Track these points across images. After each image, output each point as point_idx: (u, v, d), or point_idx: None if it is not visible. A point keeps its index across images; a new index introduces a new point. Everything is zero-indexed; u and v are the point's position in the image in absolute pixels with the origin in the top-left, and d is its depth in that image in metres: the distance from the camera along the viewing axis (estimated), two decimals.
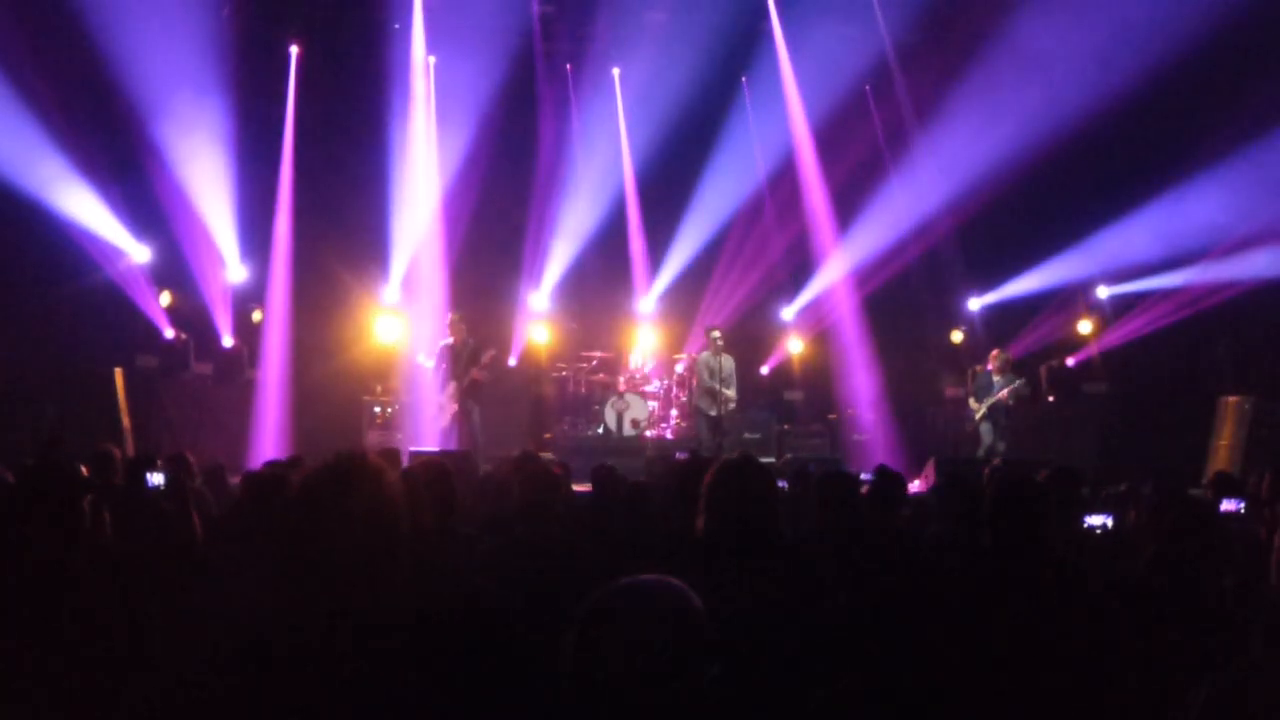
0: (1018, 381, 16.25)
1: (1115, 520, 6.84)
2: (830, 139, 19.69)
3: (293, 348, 17.67)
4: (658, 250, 20.50)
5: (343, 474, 2.79)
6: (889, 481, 6.73)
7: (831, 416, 19.38)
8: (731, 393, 16.13)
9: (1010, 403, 16.28)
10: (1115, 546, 6.36)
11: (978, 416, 16.31)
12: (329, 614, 2.64)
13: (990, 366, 16.47)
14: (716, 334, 16.21)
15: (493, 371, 15.78)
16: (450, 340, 15.45)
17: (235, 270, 17.84)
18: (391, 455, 9.51)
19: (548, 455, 13.58)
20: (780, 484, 8.55)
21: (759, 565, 4.03)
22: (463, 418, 15.13)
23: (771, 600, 3.91)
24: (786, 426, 18.98)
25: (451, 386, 15.08)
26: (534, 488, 5.39)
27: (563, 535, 5.37)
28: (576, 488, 10.10)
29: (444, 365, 15.35)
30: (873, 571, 4.98)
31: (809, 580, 4.22)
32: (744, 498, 4.23)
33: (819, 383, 20.06)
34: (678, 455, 13.83)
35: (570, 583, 3.83)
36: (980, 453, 15.95)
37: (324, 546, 2.70)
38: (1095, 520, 6.77)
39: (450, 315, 15.68)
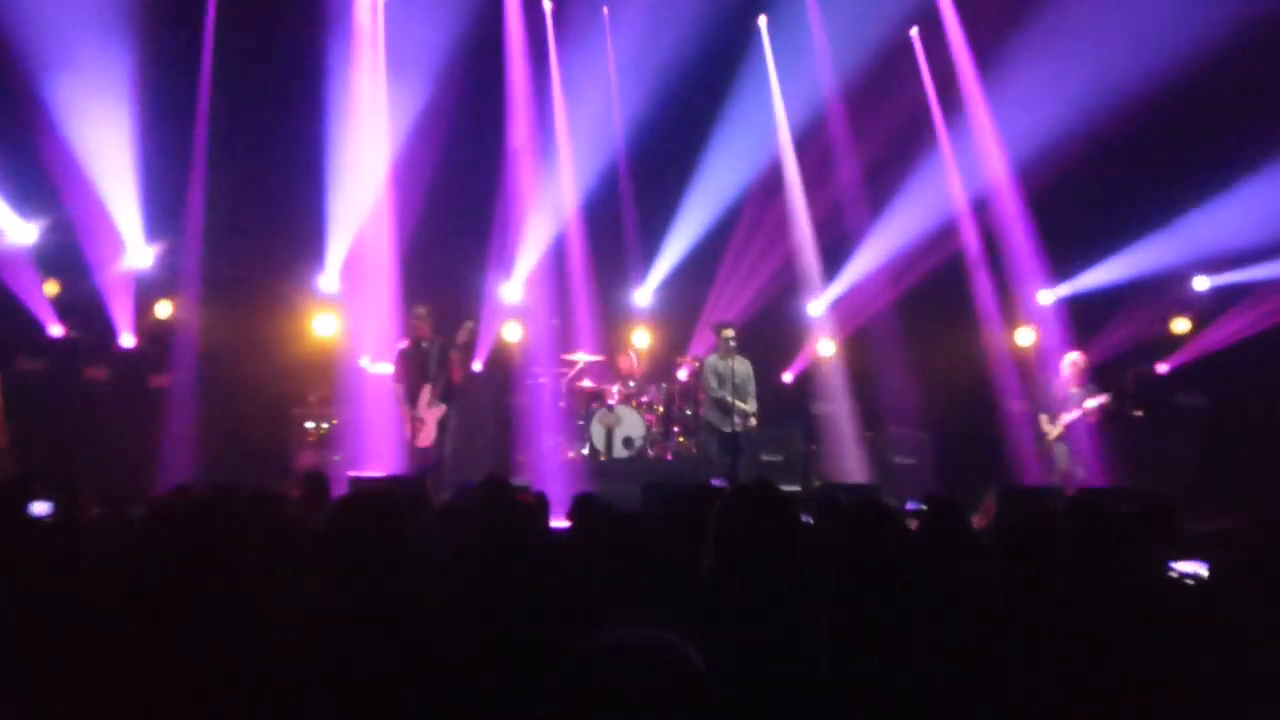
0: (1102, 398, 16.16)
1: (1212, 568, 6.41)
2: (868, 94, 19.66)
3: (208, 349, 17.58)
4: (656, 231, 20.49)
5: (196, 521, 2.80)
6: (944, 515, 6.64)
7: (870, 435, 19.36)
8: (749, 405, 16.08)
9: (1091, 421, 16.24)
10: (1210, 603, 5.93)
11: (1051, 437, 16.27)
12: (219, 675, 2.65)
13: (1066, 375, 16.42)
14: (729, 333, 16.15)
15: (467, 356, 15.61)
16: (410, 342, 15.20)
17: (138, 254, 17.75)
18: (316, 482, 9.48)
19: (520, 481, 13.55)
20: (804, 518, 8.53)
21: (776, 617, 4.02)
22: (442, 431, 14.95)
23: (789, 659, 3.90)
24: (814, 447, 18.96)
25: (426, 392, 14.89)
26: (499, 522, 5.37)
27: (535, 581, 5.36)
28: (555, 523, 10.08)
29: (409, 371, 15.10)
30: (914, 627, 4.97)
31: (836, 636, 4.20)
32: (759, 534, 4.22)
33: (854, 394, 20.03)
34: (714, 483, 13.80)
35: (544, 639, 3.82)
36: (1054, 480, 15.88)
37: (199, 598, 2.71)
38: (1185, 567, 6.27)
39: (416, 309, 15.45)
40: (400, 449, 15.32)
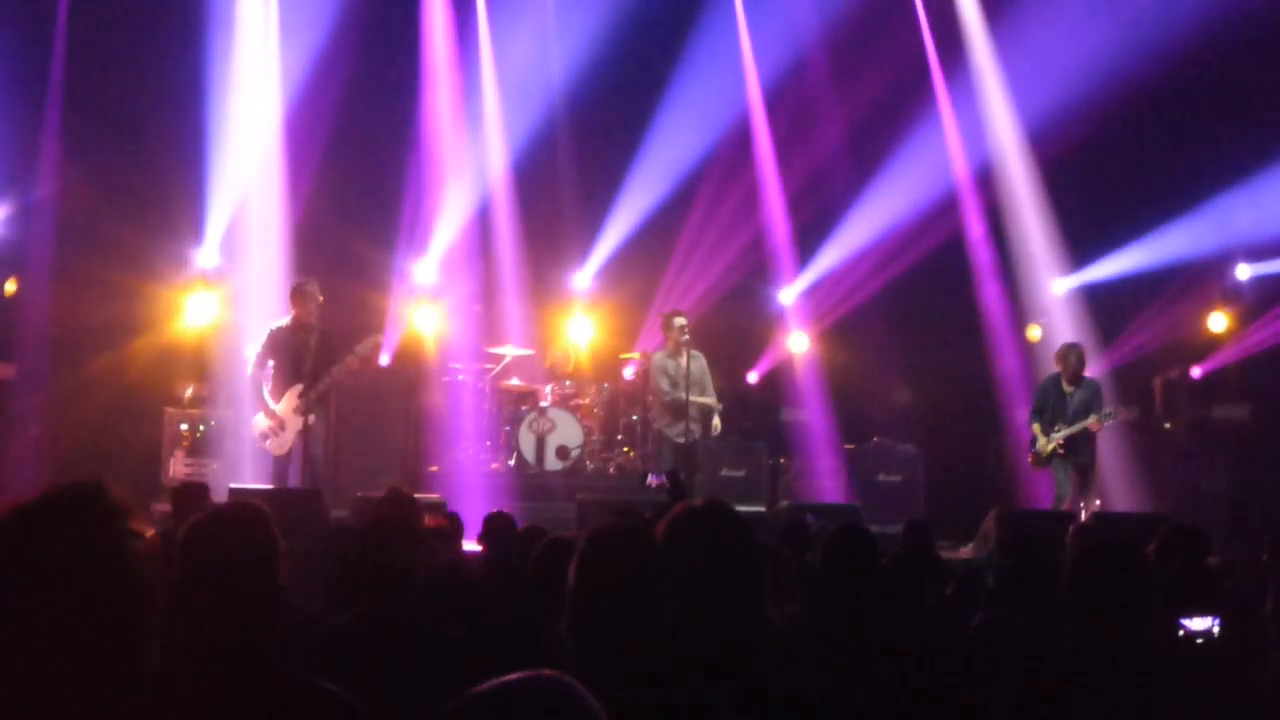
0: (1108, 411, 15.42)
1: (1228, 624, 5.84)
2: (855, 44, 19.67)
3: (60, 335, 17.45)
4: (600, 203, 20.43)
5: (52, 517, 2.68)
6: (916, 541, 6.64)
7: (849, 447, 19.36)
8: (710, 400, 16.06)
9: (1097, 430, 15.46)
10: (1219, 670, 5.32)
11: (1045, 449, 15.66)
12: None
13: (1059, 369, 15.84)
14: (680, 322, 16.07)
15: (364, 367, 15.46)
16: (290, 324, 14.87)
17: None
18: (195, 494, 9.38)
19: (431, 497, 13.46)
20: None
21: (726, 666, 3.94)
22: (305, 439, 14.61)
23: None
24: (783, 461, 18.94)
25: (293, 394, 14.59)
26: (383, 543, 5.27)
27: (428, 616, 5.26)
28: (471, 546, 10.02)
29: (280, 361, 14.84)
30: (897, 677, 4.91)
31: (801, 690, 4.14)
32: (709, 565, 4.14)
33: (831, 397, 20.05)
34: (650, 480, 13.72)
35: (432, 688, 3.74)
36: (1058, 504, 15.46)
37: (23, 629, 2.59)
38: (1195, 624, 5.75)
39: (307, 284, 15.06)
40: (270, 458, 15.04)
